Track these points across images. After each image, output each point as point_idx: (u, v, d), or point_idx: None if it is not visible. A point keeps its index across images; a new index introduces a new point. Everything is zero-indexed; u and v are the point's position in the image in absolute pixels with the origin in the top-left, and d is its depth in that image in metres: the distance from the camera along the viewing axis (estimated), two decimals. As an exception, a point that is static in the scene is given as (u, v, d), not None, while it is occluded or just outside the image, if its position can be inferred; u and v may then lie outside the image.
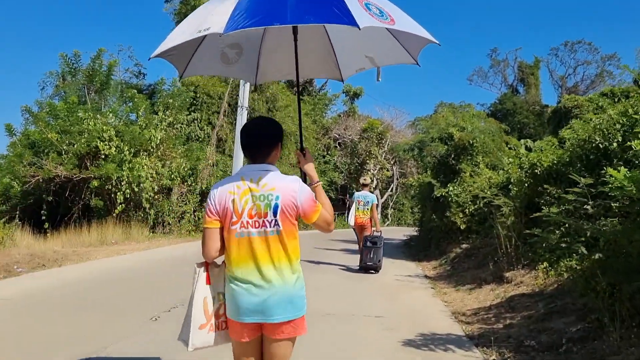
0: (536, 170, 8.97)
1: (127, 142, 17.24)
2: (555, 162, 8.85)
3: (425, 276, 10.76)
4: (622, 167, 6.02)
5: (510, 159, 9.91)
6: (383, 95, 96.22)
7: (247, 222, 2.63)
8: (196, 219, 21.25)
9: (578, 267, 6.91)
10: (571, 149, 8.88)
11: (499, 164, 14.22)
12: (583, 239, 5.96)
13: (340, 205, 39.46)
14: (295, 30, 3.31)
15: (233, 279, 2.68)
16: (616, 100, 27.19)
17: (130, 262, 11.85)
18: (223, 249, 2.72)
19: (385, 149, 35.68)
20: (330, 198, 35.27)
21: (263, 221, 2.63)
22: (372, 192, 35.49)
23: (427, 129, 14.46)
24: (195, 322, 2.73)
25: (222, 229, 2.70)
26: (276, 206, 2.62)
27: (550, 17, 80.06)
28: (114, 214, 17.48)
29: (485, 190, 12.48)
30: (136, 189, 17.21)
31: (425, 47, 3.63)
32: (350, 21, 2.47)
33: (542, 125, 40.71)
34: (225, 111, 24.78)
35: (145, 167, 17.96)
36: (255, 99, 26.89)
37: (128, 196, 17.23)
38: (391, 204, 41.60)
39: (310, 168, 3.07)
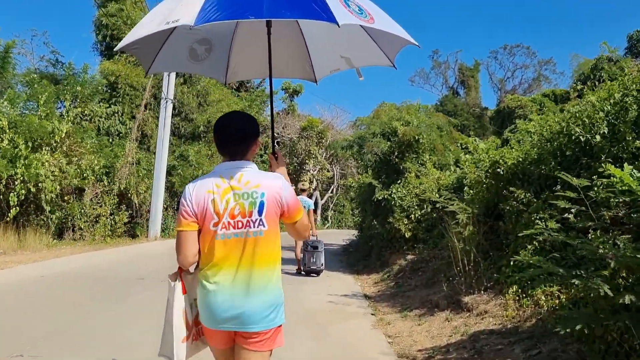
0: (498, 170, 7.25)
1: (22, 134, 14.56)
2: (520, 159, 7.15)
3: (365, 296, 8.87)
4: (626, 165, 4.35)
5: (465, 156, 8.15)
6: (323, 94, 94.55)
7: (229, 223, 2.44)
8: (113, 222, 18.77)
9: (564, 298, 5.18)
10: (539, 144, 7.22)
11: (448, 163, 12.58)
12: (593, 267, 4.18)
13: (279, 206, 37.46)
14: (269, 24, 3.15)
15: (210, 283, 2.47)
16: (557, 101, 26.48)
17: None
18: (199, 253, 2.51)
19: (326, 148, 33.86)
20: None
21: (247, 221, 2.45)
22: (312, 194, 33.53)
23: (368, 125, 12.59)
24: (178, 337, 2.54)
25: (198, 231, 2.49)
26: (262, 204, 2.46)
27: (490, 20, 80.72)
28: (8, 219, 14.78)
29: (433, 193, 10.76)
30: (32, 189, 14.55)
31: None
32: (329, 18, 2.38)
33: (482, 127, 40.15)
34: (148, 104, 22.22)
35: (46, 164, 15.32)
36: (184, 92, 24.47)
37: (23, 197, 14.53)
38: (331, 205, 39.87)
39: (283, 172, 2.85)
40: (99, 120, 22.03)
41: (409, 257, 10.65)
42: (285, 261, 12.48)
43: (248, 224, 2.44)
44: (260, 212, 2.45)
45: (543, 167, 6.72)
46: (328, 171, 37.42)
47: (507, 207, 6.82)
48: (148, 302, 7.57)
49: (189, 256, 2.50)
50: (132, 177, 19.72)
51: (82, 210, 18.13)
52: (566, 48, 78.57)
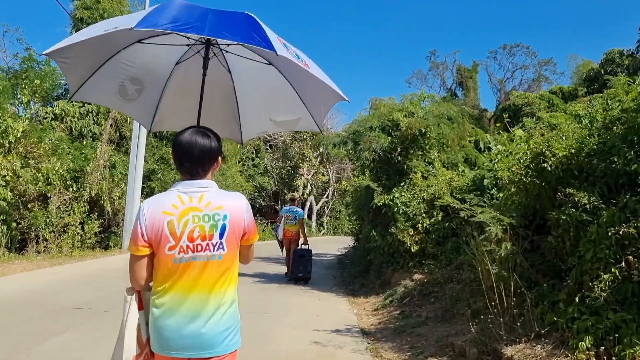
0: (544, 164, 5.16)
1: (-34, 133, 12.46)
2: (574, 149, 5.08)
3: (362, 331, 6.73)
4: None
5: (498, 147, 6.01)
6: None
7: (188, 247, 2.29)
8: (83, 232, 16.66)
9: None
10: (602, 129, 5.16)
11: (458, 161, 10.49)
12: None
13: (273, 213, 35.35)
14: (205, 65, 3.06)
15: (162, 309, 2.29)
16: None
17: None
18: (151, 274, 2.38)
19: (320, 151, 31.75)
20: (259, 205, 30.72)
21: (207, 244, 2.31)
22: (305, 200, 31.44)
23: (365, 120, 10.49)
24: (129, 354, 2.32)
25: (152, 254, 2.34)
26: (224, 227, 2.33)
27: (489, 20, 78.52)
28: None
29: (446, 197, 8.66)
30: (-23, 197, 12.43)
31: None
32: (268, 45, 2.43)
33: (481, 129, 38.15)
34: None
35: (-2, 167, 13.21)
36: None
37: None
38: (327, 211, 37.68)
39: None
40: (71, 121, 19.98)
41: (416, 276, 8.53)
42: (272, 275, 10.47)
43: (208, 247, 2.31)
44: (221, 236, 2.32)
45: (615, 160, 4.65)
46: (323, 175, 35.29)
47: (562, 217, 4.73)
48: (66, 347, 5.48)
49: (141, 279, 2.36)
50: (105, 182, 17.59)
51: (48, 220, 16.04)
52: (566, 48, 76.22)
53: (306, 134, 32.24)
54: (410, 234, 8.94)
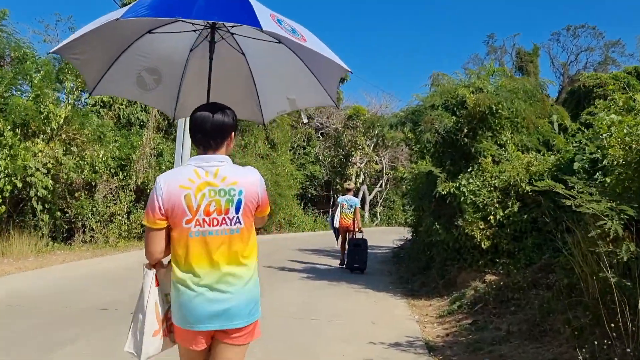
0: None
1: (8, 119, 11.92)
2: None
3: (428, 346, 5.50)
4: None
5: (609, 116, 4.61)
6: (373, 81, 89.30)
7: (204, 220, 2.31)
8: (129, 221, 16.14)
9: None
10: None
11: (535, 145, 9.04)
12: None
13: (325, 202, 34.34)
14: (211, 49, 3.04)
15: (185, 283, 2.32)
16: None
17: None
18: (168, 248, 2.40)
19: (375, 133, 30.33)
20: (310, 195, 29.78)
21: (223, 218, 2.33)
22: (358, 189, 30.32)
23: (426, 98, 9.16)
24: (149, 330, 2.38)
25: (168, 227, 2.36)
26: (239, 202, 2.36)
27: (551, 0, 73.91)
28: (-6, 219, 12.25)
29: (524, 184, 7.32)
30: (19, 184, 11.89)
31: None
32: (253, 22, 2.35)
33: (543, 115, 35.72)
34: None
35: (39, 154, 12.68)
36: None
37: (8, 194, 11.88)
38: (380, 201, 36.30)
39: None
40: (119, 108, 19.50)
41: (489, 277, 7.22)
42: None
43: (224, 222, 2.34)
44: (237, 210, 2.36)
45: None
46: (376, 163, 33.89)
47: None
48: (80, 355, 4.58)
49: (155, 252, 2.39)
50: (152, 170, 16.97)
51: (95, 209, 15.58)
52: (635, 29, 70.78)
53: (359, 121, 30.94)
54: (481, 227, 7.62)
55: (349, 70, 3.00)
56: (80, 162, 13.83)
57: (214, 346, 2.42)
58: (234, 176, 2.36)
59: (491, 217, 7.57)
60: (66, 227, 15.25)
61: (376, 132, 15.27)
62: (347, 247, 11.35)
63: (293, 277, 10.02)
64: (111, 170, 16.30)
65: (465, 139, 8.52)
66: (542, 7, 73.31)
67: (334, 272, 11.10)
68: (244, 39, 3.27)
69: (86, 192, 15.72)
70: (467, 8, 79.49)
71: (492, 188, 7.82)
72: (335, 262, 12.72)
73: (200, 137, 2.41)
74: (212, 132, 2.39)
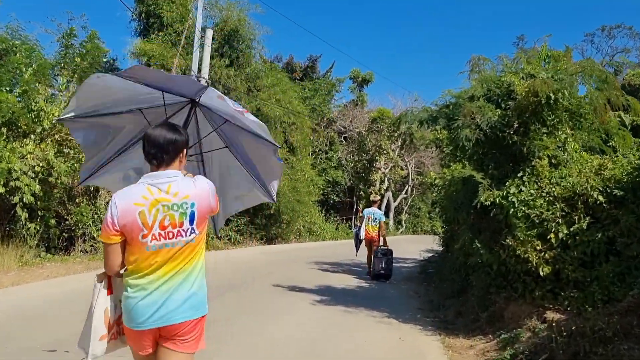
0: None
1: (-8, 117, 10.59)
2: None
3: None
4: None
5: None
6: (398, 80, 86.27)
7: (160, 234, 2.44)
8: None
9: None
10: None
11: (597, 143, 7.27)
12: None
13: (347, 209, 32.65)
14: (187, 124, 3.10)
15: (137, 288, 2.46)
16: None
17: None
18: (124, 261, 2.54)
19: (400, 139, 28.50)
20: (332, 201, 28.12)
21: (178, 231, 2.46)
22: (382, 196, 28.62)
23: (461, 92, 7.44)
24: (96, 334, 2.55)
25: (124, 241, 2.49)
26: (192, 213, 2.48)
27: (585, 0, 70.52)
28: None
29: (590, 189, 5.60)
30: (1, 190, 10.53)
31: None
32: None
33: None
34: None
35: (29, 156, 11.36)
36: (231, 75, 20.21)
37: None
38: (405, 208, 34.41)
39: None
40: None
41: (551, 315, 5.47)
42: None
43: (179, 234, 2.45)
44: (191, 222, 2.47)
45: None
46: (402, 169, 32.06)
47: None
48: None
49: (114, 266, 2.51)
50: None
51: (97, 216, 14.22)
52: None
53: (383, 124, 29.19)
54: (537, 247, 5.88)
55: (278, 145, 3.18)
56: (76, 165, 12.45)
57: (158, 352, 2.52)
58: (185, 190, 2.47)
59: (551, 235, 5.83)
60: (66, 235, 13.94)
61: (403, 131, 13.39)
62: (372, 257, 11.38)
63: (302, 301, 8.38)
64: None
65: (515, 137, 6.79)
66: (574, 8, 70.43)
67: (352, 294, 9.46)
68: (227, 127, 3.24)
69: (88, 198, 14.41)
70: (496, 9, 77.00)
71: (551, 198, 6.07)
72: (355, 279, 11.21)
73: (153, 152, 2.49)
74: (165, 146, 2.48)
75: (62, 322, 6.22)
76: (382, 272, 10.94)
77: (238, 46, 20.48)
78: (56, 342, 5.31)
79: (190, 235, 2.44)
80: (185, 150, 2.57)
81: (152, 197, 2.40)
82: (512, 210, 6.21)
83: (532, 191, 6.24)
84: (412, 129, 8.16)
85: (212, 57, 20.03)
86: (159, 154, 2.47)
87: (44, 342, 5.32)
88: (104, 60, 15.53)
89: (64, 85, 12.64)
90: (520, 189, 6.34)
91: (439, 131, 8.41)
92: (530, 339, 5.19)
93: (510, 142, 6.82)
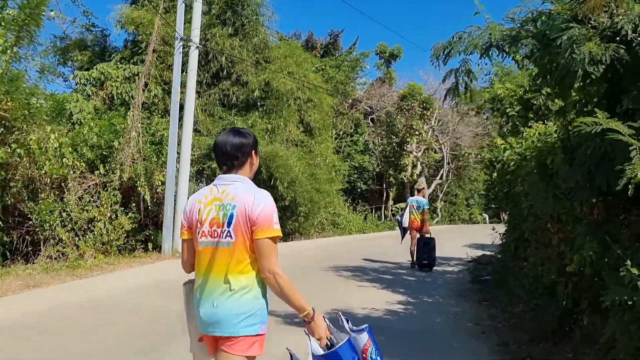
0: None
1: None
2: None
3: None
4: None
5: None
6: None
7: (207, 232, 2.48)
8: (116, 230, 11.94)
9: None
10: None
11: None
12: None
13: (377, 197, 29.40)
14: None
15: (196, 291, 2.52)
16: None
17: None
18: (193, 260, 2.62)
19: (432, 122, 24.97)
20: (360, 189, 25.15)
21: (220, 231, 2.46)
22: (415, 182, 25.30)
23: None
24: (194, 337, 2.61)
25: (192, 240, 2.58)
26: (231, 216, 2.44)
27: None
28: None
29: None
30: None
31: None
32: None
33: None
34: (154, 55, 14.90)
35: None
36: (235, 46, 17.06)
37: None
38: (441, 195, 30.82)
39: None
40: (111, 86, 15.25)
41: None
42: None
43: (219, 234, 2.46)
44: (229, 224, 2.44)
45: None
46: (435, 152, 28.48)
47: None
48: None
49: (186, 264, 2.61)
50: (141, 161, 12.57)
51: (65, 214, 11.41)
52: None
53: (414, 101, 25.68)
54: None
55: None
56: (18, 150, 9.49)
57: (217, 356, 2.50)
58: (234, 193, 2.46)
59: None
60: (29, 239, 11.13)
61: (451, 72, 9.78)
62: (416, 246, 11.28)
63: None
64: (90, 162, 12.12)
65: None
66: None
67: (379, 326, 6.21)
68: None
69: (56, 193, 11.57)
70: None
71: None
72: (383, 293, 8.01)
73: (220, 158, 2.56)
74: (232, 152, 2.52)
75: None
76: (425, 261, 11.06)
77: (242, 11, 17.29)
78: None
79: (226, 238, 2.41)
80: (253, 151, 2.59)
81: (211, 196, 2.50)
82: None
83: None
84: (468, 65, 4.79)
85: (213, 26, 16.95)
86: (227, 160, 2.53)
87: None
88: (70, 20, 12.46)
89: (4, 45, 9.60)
90: None
91: (520, 62, 5.04)
92: None
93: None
